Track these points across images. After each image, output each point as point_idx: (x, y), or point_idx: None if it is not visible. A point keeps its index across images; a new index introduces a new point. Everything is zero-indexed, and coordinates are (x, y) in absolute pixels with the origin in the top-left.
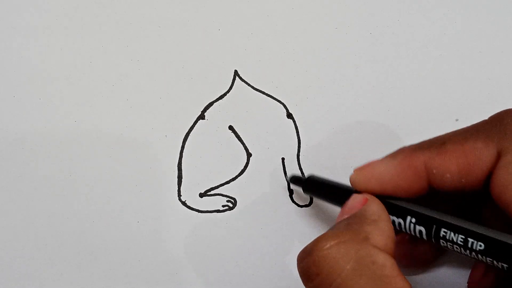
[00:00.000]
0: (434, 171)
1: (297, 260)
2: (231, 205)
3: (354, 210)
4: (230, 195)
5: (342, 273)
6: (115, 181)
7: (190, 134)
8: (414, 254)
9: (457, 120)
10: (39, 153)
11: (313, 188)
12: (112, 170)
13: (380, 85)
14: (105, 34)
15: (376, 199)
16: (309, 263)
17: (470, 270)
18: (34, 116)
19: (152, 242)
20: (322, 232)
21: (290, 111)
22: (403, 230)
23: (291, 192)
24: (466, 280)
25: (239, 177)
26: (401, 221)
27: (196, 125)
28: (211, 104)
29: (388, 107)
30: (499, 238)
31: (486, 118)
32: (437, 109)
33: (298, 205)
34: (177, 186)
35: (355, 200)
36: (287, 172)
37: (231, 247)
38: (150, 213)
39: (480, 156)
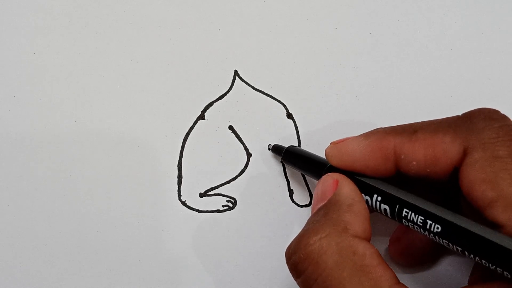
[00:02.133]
0: (402, 156)
1: (285, 258)
2: (231, 205)
3: (328, 194)
4: (230, 195)
5: (326, 267)
6: (115, 181)
7: (190, 134)
8: (411, 252)
9: None
10: (39, 153)
11: (291, 159)
12: (112, 170)
13: (380, 85)
14: (105, 34)
15: (347, 179)
16: (295, 261)
17: (471, 268)
18: (34, 116)
19: (152, 242)
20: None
21: (290, 111)
22: (370, 207)
23: (291, 192)
24: (466, 279)
25: (239, 177)
26: (368, 198)
27: (196, 125)
28: (211, 104)
29: (388, 107)
30: (455, 222)
31: None
32: (437, 109)
33: (298, 205)
34: (177, 186)
35: (327, 183)
36: (287, 172)
37: (231, 247)
38: (150, 213)
39: (446, 150)
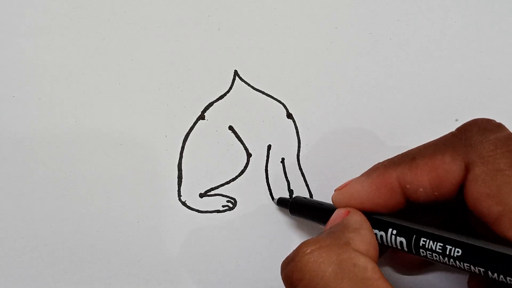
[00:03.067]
0: (408, 186)
1: (281, 268)
2: (231, 205)
3: (337, 220)
4: (230, 195)
5: (324, 277)
6: (115, 181)
7: (190, 134)
8: (404, 263)
9: (457, 120)
10: (39, 153)
11: (298, 210)
12: (112, 170)
13: (380, 85)
14: (105, 34)
15: (358, 211)
16: (292, 269)
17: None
18: (34, 116)
19: (152, 242)
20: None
21: (290, 111)
22: (385, 242)
23: (291, 192)
24: (466, 281)
25: (239, 177)
26: (383, 233)
27: (196, 125)
28: (211, 104)
29: (388, 107)
30: (475, 244)
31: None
32: (437, 109)
33: None
34: (177, 186)
35: (338, 213)
36: (287, 172)
37: (231, 247)
38: (150, 213)
39: (448, 170)
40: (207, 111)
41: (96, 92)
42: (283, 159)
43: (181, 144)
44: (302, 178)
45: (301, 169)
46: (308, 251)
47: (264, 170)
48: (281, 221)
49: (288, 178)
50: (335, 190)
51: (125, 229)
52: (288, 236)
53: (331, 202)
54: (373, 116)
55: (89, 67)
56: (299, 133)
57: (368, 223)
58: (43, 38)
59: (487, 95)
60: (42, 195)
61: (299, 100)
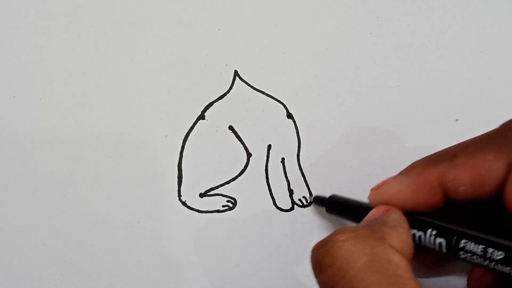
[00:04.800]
0: (449, 184)
1: (311, 250)
2: (231, 205)
3: (375, 216)
4: (230, 195)
5: (355, 266)
6: (115, 181)
7: (190, 134)
8: (423, 260)
9: (457, 120)
10: (39, 153)
11: (335, 208)
12: (112, 170)
13: (380, 85)
14: (105, 34)
15: (398, 210)
16: (323, 253)
17: (469, 269)
18: (34, 116)
19: (152, 242)
20: (322, 233)
21: (290, 111)
22: (423, 243)
23: (291, 192)
24: (466, 279)
25: (239, 177)
26: (422, 234)
27: (196, 125)
28: (211, 104)
29: (388, 107)
30: None
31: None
32: (437, 109)
33: (298, 205)
34: (177, 186)
35: (377, 209)
36: (287, 172)
37: (231, 247)
38: (150, 213)
39: (491, 168)
40: (207, 111)
41: (96, 92)
42: (283, 159)
43: (181, 144)
44: (302, 178)
45: (301, 169)
46: (342, 238)
47: (264, 170)
48: (281, 221)
49: (288, 178)
50: (371, 190)
51: (125, 229)
52: (288, 236)
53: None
54: (373, 116)
55: (89, 67)
56: (299, 133)
57: (407, 223)
58: (43, 38)
59: (487, 95)
60: (42, 195)
61: (299, 100)
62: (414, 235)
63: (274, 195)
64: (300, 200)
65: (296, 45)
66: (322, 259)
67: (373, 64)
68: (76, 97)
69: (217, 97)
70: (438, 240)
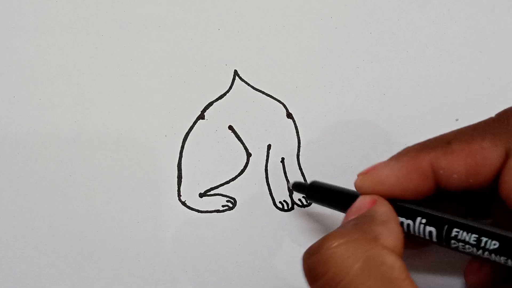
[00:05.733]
0: (441, 171)
1: (302, 259)
2: (231, 205)
3: (362, 210)
4: (230, 195)
5: (350, 272)
6: (115, 181)
7: (190, 134)
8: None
9: (457, 120)
10: (39, 153)
11: (316, 195)
12: (112, 170)
13: (380, 85)
14: (105, 34)
15: (385, 200)
16: (315, 261)
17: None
18: (34, 116)
19: (152, 242)
20: (322, 233)
21: (290, 111)
22: (412, 232)
23: (291, 192)
24: (463, 273)
25: (239, 177)
26: (411, 222)
27: (196, 125)
28: (211, 104)
29: (388, 107)
30: None
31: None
32: (437, 109)
33: (298, 205)
34: (176, 186)
35: (363, 201)
36: (287, 172)
37: (231, 247)
38: (150, 213)
39: (487, 156)
40: (207, 110)
41: (96, 92)
42: (283, 159)
43: (181, 144)
44: (302, 177)
45: (301, 169)
46: (334, 244)
47: (264, 170)
48: (281, 220)
49: (288, 178)
50: (358, 175)
51: (125, 229)
52: (288, 236)
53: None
54: (373, 116)
55: (89, 67)
56: (299, 133)
57: (396, 215)
58: (43, 38)
59: (487, 95)
60: (42, 195)
61: (299, 100)
62: (402, 223)
63: (274, 195)
64: (300, 200)
65: (296, 44)
66: (314, 267)
67: (373, 64)
68: (76, 97)
69: (216, 97)
70: (428, 228)
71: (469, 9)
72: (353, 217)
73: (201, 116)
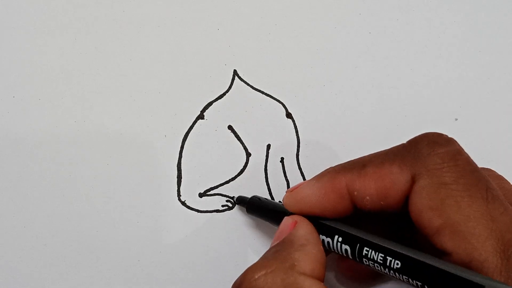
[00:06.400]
0: (355, 193)
1: None
2: (230, 205)
3: (285, 233)
4: (230, 195)
5: None
6: (115, 181)
7: (189, 134)
8: (357, 267)
9: (456, 119)
10: (39, 153)
11: (254, 210)
12: (112, 170)
13: (380, 85)
14: (104, 34)
15: (306, 220)
16: None
17: None
18: (34, 116)
19: (152, 242)
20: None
21: (289, 110)
22: (332, 249)
23: None
24: None
25: (238, 177)
26: (330, 240)
27: (195, 125)
28: (210, 104)
29: (388, 107)
30: (414, 256)
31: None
32: (437, 109)
33: None
34: (176, 186)
35: (286, 223)
36: (286, 172)
37: (231, 247)
38: (150, 213)
39: (395, 180)
40: (206, 110)
41: (96, 92)
42: (282, 159)
43: (181, 144)
44: (301, 177)
45: (301, 169)
46: (254, 277)
47: (264, 170)
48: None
49: (288, 178)
50: (286, 192)
51: (125, 229)
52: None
53: None
54: (373, 116)
55: (89, 67)
56: (299, 133)
57: (316, 235)
58: (43, 38)
59: (487, 95)
60: (42, 195)
61: (299, 99)
62: (323, 240)
63: (273, 195)
64: None
65: (296, 44)
66: None
67: (373, 64)
68: (76, 97)
69: (216, 96)
70: (344, 246)
71: (469, 9)
72: (276, 242)
73: (201, 116)
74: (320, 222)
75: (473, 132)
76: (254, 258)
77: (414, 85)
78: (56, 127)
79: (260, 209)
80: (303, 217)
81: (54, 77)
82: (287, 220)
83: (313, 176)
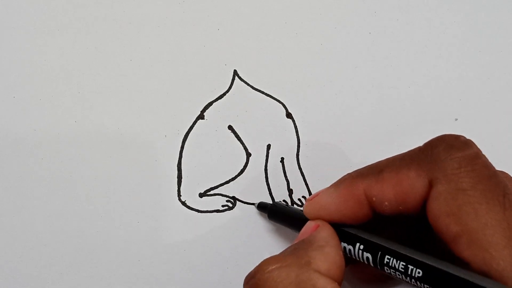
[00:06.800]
0: (374, 198)
1: (243, 283)
2: (230, 205)
3: (305, 236)
4: (230, 195)
5: None
6: (115, 181)
7: (189, 134)
8: (366, 276)
9: (456, 119)
10: (39, 153)
11: (275, 216)
12: (112, 170)
13: (380, 85)
14: (104, 34)
15: (328, 225)
16: (252, 285)
17: None
18: (34, 116)
19: (152, 242)
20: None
21: (289, 110)
22: (353, 256)
23: (290, 191)
24: None
25: (238, 177)
26: (351, 247)
27: (195, 125)
28: (210, 104)
29: (388, 107)
30: (436, 265)
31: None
32: (436, 109)
33: (298, 205)
34: (176, 186)
35: (308, 226)
36: (286, 172)
37: (231, 247)
38: (150, 213)
39: (413, 185)
40: (206, 110)
41: (96, 92)
42: (282, 159)
43: (181, 144)
44: (301, 177)
45: (301, 169)
46: (268, 269)
47: (264, 170)
48: None
49: (288, 178)
50: (306, 201)
51: (125, 229)
52: (287, 235)
53: None
54: (373, 116)
55: (89, 67)
56: (299, 133)
57: (336, 239)
58: (43, 38)
59: (487, 95)
60: (42, 195)
61: (299, 99)
62: (345, 248)
63: (273, 195)
64: (299, 199)
65: (296, 44)
66: None
67: (373, 64)
68: (76, 97)
69: (216, 96)
70: (365, 254)
71: (469, 9)
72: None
73: (201, 116)
74: (342, 230)
75: (473, 132)
76: (254, 258)
77: (414, 85)
78: (56, 127)
79: (282, 216)
80: (325, 222)
81: (54, 77)
82: (309, 223)
83: (330, 184)
